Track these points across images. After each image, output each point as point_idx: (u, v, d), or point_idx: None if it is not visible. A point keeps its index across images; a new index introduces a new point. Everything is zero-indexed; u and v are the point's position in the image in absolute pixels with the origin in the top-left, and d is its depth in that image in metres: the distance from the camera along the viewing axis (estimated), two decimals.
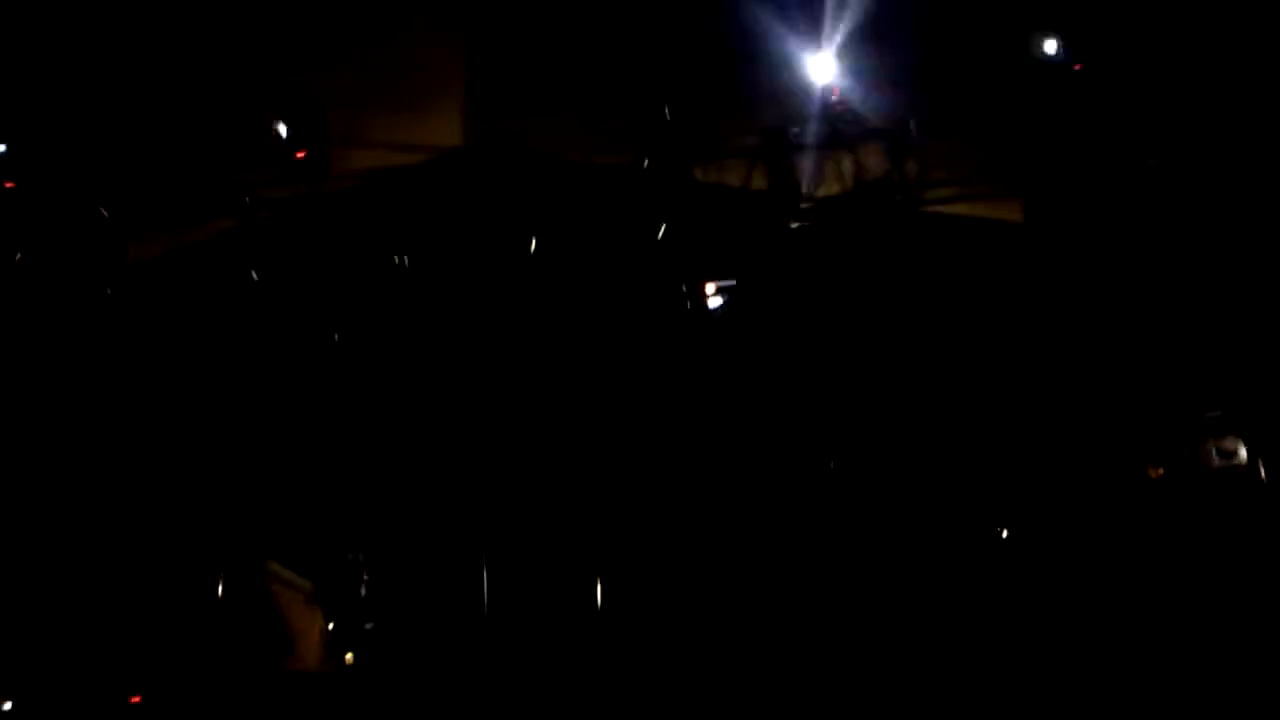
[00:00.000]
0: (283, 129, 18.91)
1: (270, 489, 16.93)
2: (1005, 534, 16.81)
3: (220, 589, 15.59)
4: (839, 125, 19.60)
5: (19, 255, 19.20)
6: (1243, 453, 17.10)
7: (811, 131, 19.57)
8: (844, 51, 19.39)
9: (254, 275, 19.03)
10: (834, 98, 19.44)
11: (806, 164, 19.78)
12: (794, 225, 19.71)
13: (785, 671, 16.15)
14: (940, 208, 19.56)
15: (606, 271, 19.45)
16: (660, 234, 19.56)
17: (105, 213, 19.06)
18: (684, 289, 19.11)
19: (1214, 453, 17.06)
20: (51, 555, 16.22)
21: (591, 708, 15.86)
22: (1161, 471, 17.25)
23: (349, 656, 15.36)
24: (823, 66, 19.47)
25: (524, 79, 19.83)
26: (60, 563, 16.16)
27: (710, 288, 19.16)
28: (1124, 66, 19.19)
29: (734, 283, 19.12)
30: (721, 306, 18.98)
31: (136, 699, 14.91)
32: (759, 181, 19.99)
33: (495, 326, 19.03)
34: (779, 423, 18.30)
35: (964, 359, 18.60)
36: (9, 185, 19.15)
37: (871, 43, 19.31)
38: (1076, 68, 19.17)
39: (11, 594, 15.74)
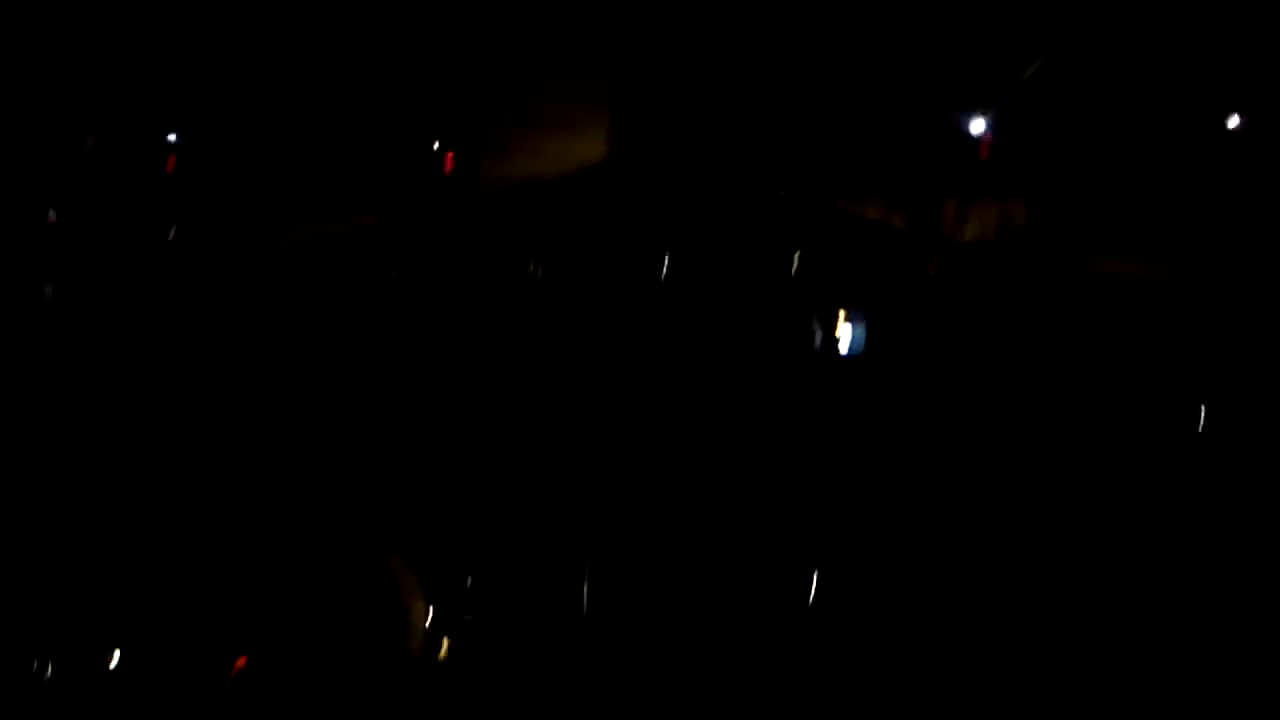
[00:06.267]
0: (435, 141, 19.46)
1: (398, 482, 17.38)
2: None
3: (346, 574, 16.29)
4: (987, 174, 19.41)
5: (173, 233, 19.85)
6: None
7: (957, 178, 19.39)
8: (998, 106, 19.20)
9: (392, 272, 19.41)
10: (985, 149, 19.25)
11: (950, 207, 19.60)
12: (933, 269, 19.51)
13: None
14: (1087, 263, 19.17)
15: (742, 292, 19.44)
16: (796, 262, 19.52)
17: (254, 203, 19.64)
18: (816, 317, 18.99)
19: None
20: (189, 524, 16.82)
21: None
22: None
23: (445, 645, 16.02)
24: (978, 118, 19.29)
25: (667, 104, 19.94)
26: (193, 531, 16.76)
27: (842, 315, 18.95)
28: None
29: (865, 315, 18.92)
30: (854, 341, 18.72)
31: (242, 661, 15.60)
32: (898, 220, 19.87)
33: (628, 337, 19.09)
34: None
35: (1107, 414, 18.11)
36: (169, 170, 19.81)
37: (1030, 101, 19.08)
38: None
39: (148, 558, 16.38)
